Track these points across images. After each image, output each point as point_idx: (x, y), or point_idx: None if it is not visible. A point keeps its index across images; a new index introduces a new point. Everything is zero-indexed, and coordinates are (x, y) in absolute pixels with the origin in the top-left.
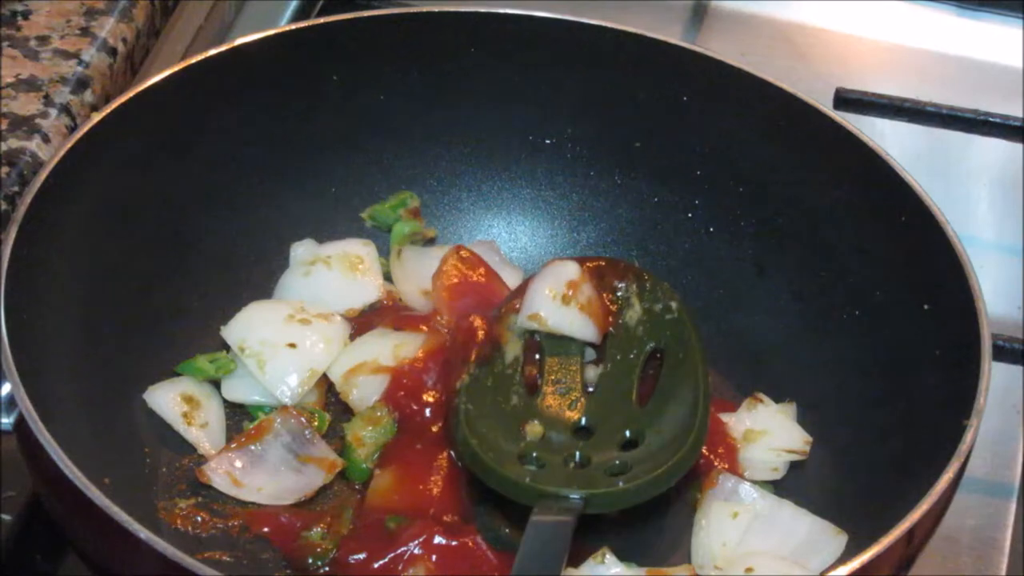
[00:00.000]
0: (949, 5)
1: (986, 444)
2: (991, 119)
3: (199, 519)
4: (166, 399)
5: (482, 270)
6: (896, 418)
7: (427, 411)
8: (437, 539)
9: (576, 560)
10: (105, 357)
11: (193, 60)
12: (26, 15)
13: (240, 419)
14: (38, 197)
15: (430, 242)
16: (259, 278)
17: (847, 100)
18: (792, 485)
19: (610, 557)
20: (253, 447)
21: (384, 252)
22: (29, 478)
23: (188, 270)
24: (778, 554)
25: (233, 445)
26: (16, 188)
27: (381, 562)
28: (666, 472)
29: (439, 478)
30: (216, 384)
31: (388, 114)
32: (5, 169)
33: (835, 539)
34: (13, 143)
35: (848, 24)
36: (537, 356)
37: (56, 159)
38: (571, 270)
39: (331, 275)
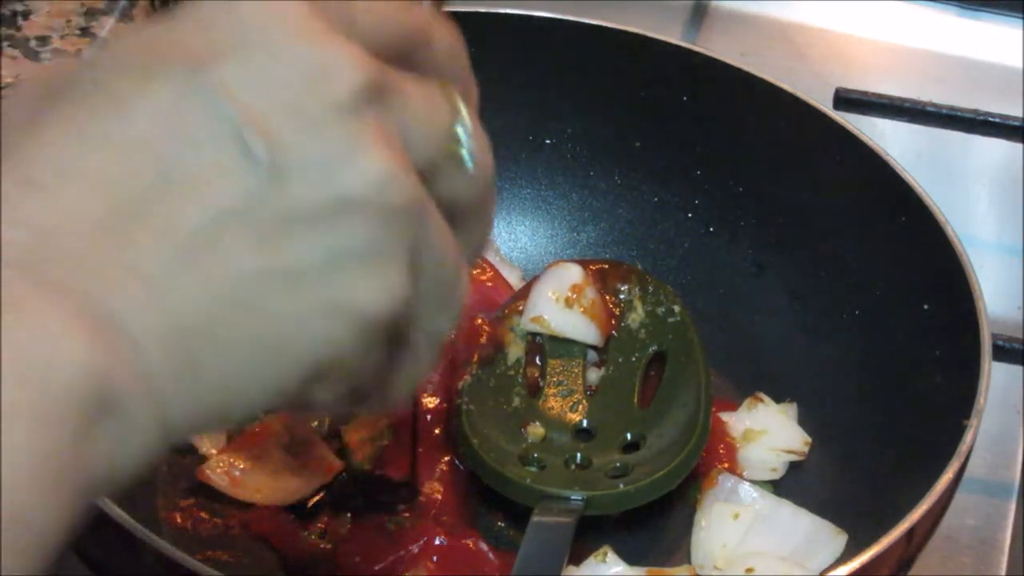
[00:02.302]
0: (949, 5)
1: (986, 444)
2: (991, 119)
3: (199, 518)
4: None
5: (490, 273)
6: (896, 418)
7: (427, 416)
8: (438, 540)
9: (577, 559)
10: None
11: None
12: (26, 15)
13: None
14: None
15: None
16: None
17: (847, 100)
18: (792, 485)
19: (611, 556)
20: (253, 448)
21: None
22: None
23: None
24: (778, 554)
25: (233, 445)
26: None
27: (381, 563)
28: (667, 475)
29: (440, 480)
30: None
31: None
32: None
33: (835, 539)
34: None
35: (848, 24)
36: (539, 358)
37: None
38: (574, 273)
39: None
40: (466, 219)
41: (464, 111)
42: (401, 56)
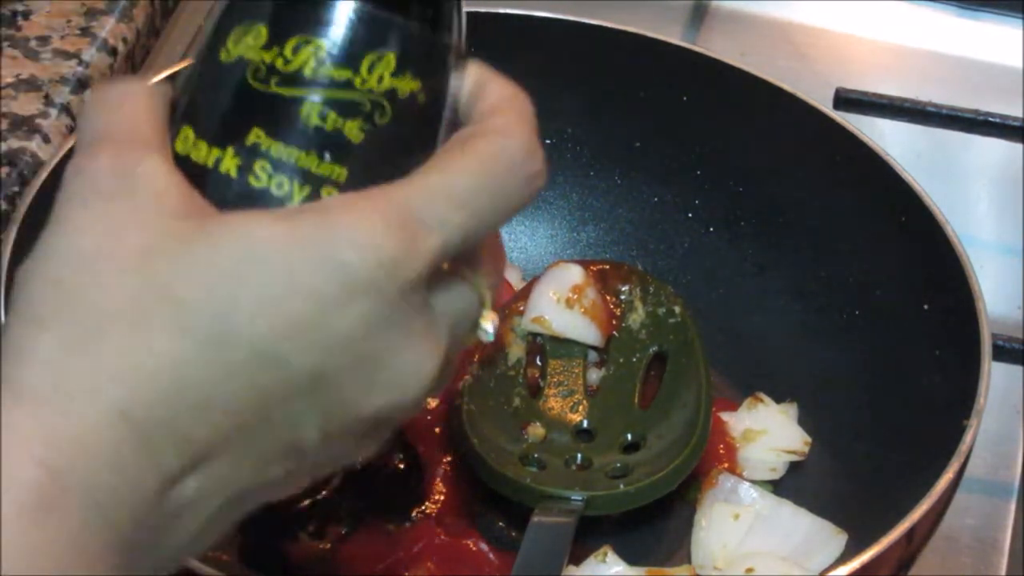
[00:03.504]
0: (949, 5)
1: (986, 444)
2: (991, 119)
3: None
4: None
5: None
6: (896, 418)
7: (427, 416)
8: (438, 541)
9: (577, 559)
10: None
11: None
12: (26, 15)
13: None
14: (38, 197)
15: None
16: None
17: (847, 100)
18: (792, 485)
19: (612, 556)
20: None
21: None
22: None
23: None
24: (778, 554)
25: None
26: (16, 188)
27: (382, 564)
28: (667, 475)
29: (440, 480)
30: None
31: None
32: (5, 169)
33: (835, 539)
34: (13, 143)
35: (848, 24)
36: (539, 358)
37: (56, 159)
38: (575, 273)
39: None
40: None
41: (489, 306)
42: None
